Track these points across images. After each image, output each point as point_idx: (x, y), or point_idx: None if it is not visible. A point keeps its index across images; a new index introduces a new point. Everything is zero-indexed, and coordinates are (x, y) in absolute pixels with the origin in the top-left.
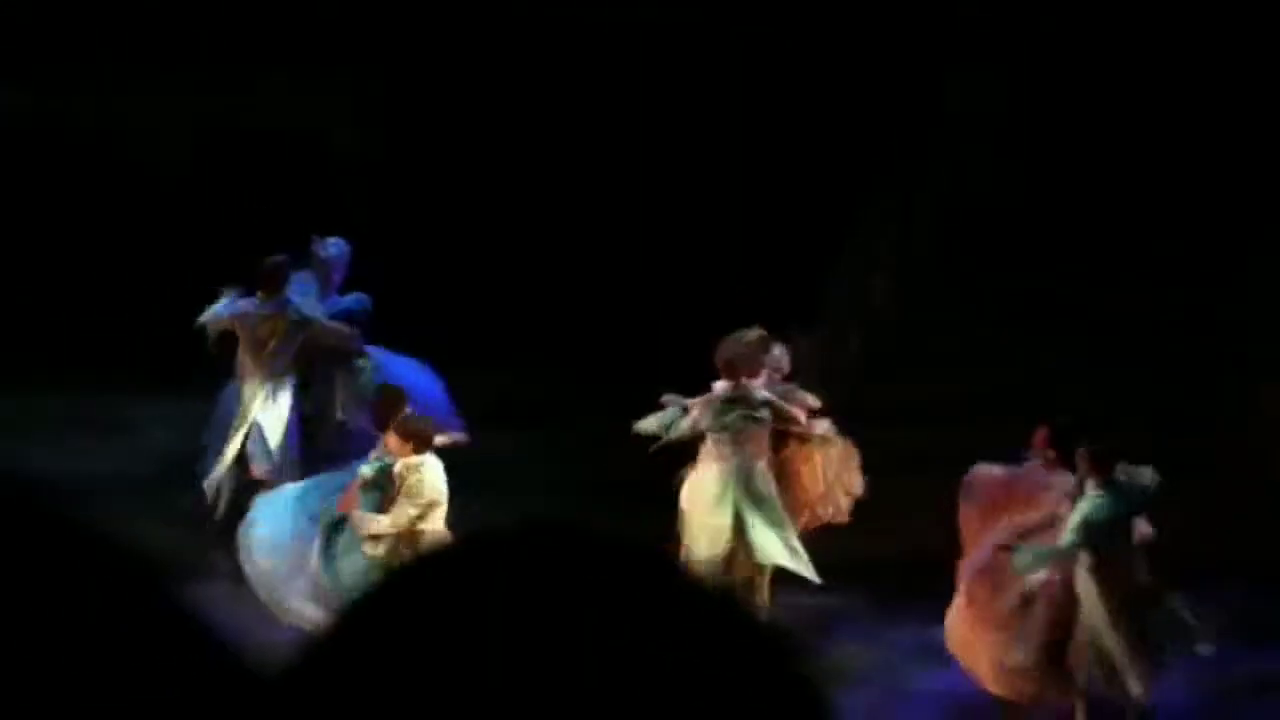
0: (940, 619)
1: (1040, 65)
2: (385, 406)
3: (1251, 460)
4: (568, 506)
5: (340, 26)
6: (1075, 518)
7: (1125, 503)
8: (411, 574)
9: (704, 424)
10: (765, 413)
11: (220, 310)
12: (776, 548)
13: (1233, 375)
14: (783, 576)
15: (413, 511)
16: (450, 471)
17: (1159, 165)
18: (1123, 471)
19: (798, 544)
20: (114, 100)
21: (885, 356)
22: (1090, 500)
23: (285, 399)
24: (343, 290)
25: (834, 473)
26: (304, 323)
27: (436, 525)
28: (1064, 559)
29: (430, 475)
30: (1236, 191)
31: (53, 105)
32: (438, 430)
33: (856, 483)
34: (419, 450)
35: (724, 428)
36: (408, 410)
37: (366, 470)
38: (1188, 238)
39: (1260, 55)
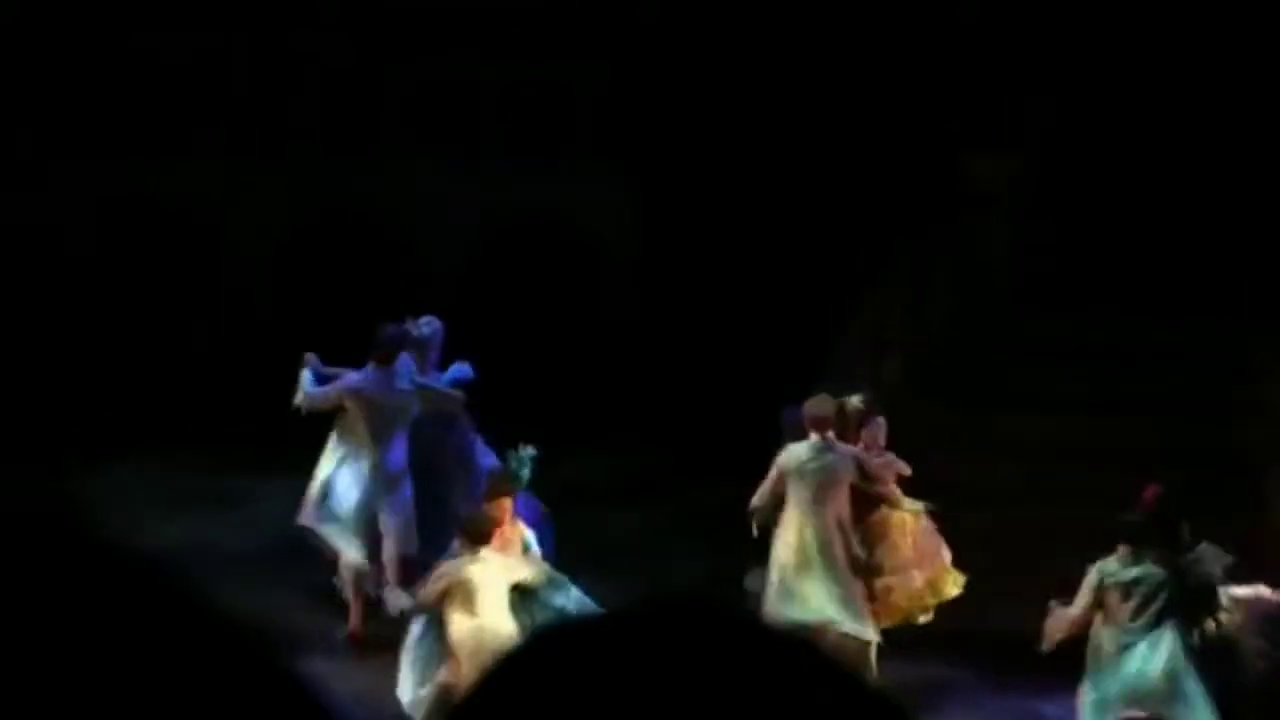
0: (1042, 691)
1: (1053, 139)
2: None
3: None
4: (692, 576)
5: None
6: None
7: None
8: (538, 654)
9: (785, 465)
10: (847, 466)
11: (329, 389)
12: (822, 601)
13: (1258, 454)
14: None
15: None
16: (572, 547)
17: (1181, 245)
18: None
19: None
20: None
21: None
22: None
23: (396, 470)
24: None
25: (924, 544)
26: (418, 389)
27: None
28: None
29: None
30: (1261, 259)
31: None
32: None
33: (945, 555)
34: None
35: (802, 475)
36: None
37: None
38: (1215, 319)
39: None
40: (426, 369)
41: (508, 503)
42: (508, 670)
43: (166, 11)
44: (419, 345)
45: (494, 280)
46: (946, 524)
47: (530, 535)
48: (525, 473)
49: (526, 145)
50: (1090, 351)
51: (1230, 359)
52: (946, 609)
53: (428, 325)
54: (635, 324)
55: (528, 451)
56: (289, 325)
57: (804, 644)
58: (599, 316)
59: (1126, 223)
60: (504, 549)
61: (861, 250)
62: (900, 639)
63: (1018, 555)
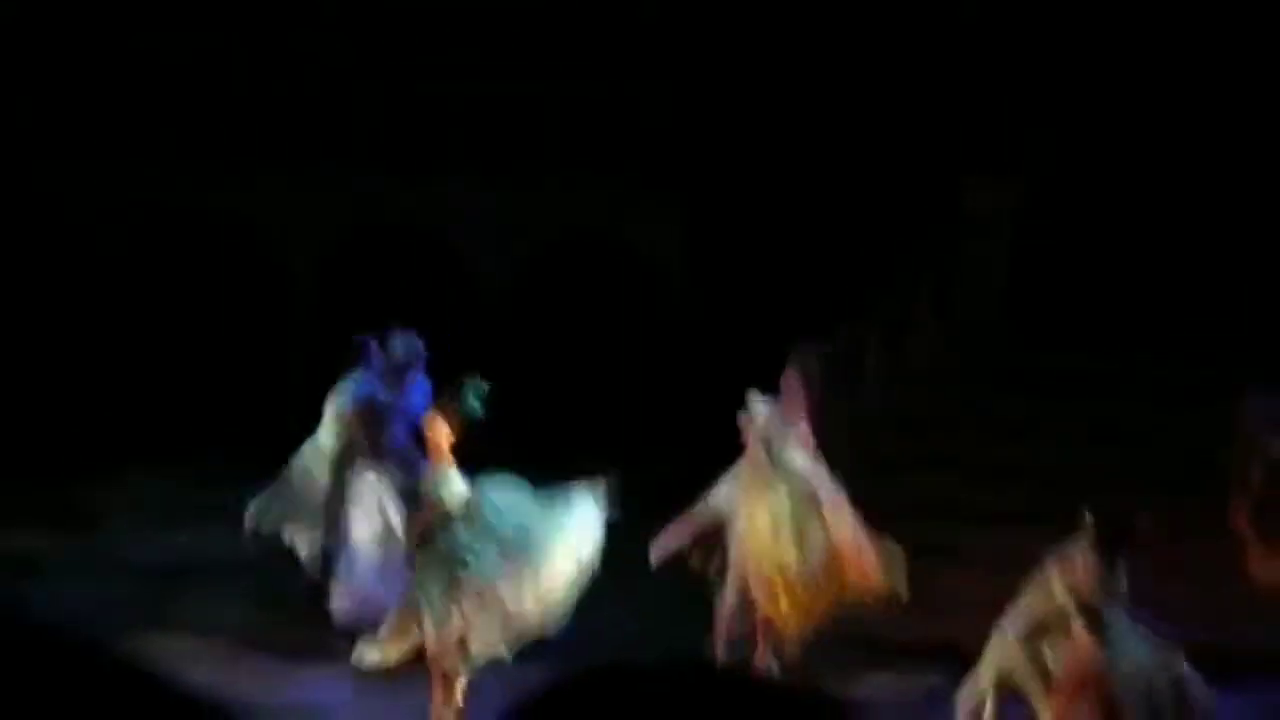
0: None
1: (1051, 167)
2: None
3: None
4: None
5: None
6: None
7: None
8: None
9: None
10: None
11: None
12: None
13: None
14: (879, 656)
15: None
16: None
17: (1174, 273)
18: None
19: None
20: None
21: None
22: None
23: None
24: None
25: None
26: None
27: None
28: None
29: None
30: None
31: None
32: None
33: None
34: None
35: None
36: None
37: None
38: (1208, 347)
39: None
40: (398, 388)
41: (444, 427)
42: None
43: (224, 19)
44: (389, 361)
45: (540, 296)
46: (930, 546)
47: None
48: (474, 403)
49: (574, 161)
50: (1080, 380)
51: (1220, 387)
52: (944, 621)
53: (401, 343)
54: (678, 339)
55: (475, 385)
56: (333, 340)
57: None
58: (642, 331)
59: (1121, 251)
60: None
61: (860, 272)
62: (896, 649)
63: (1005, 576)
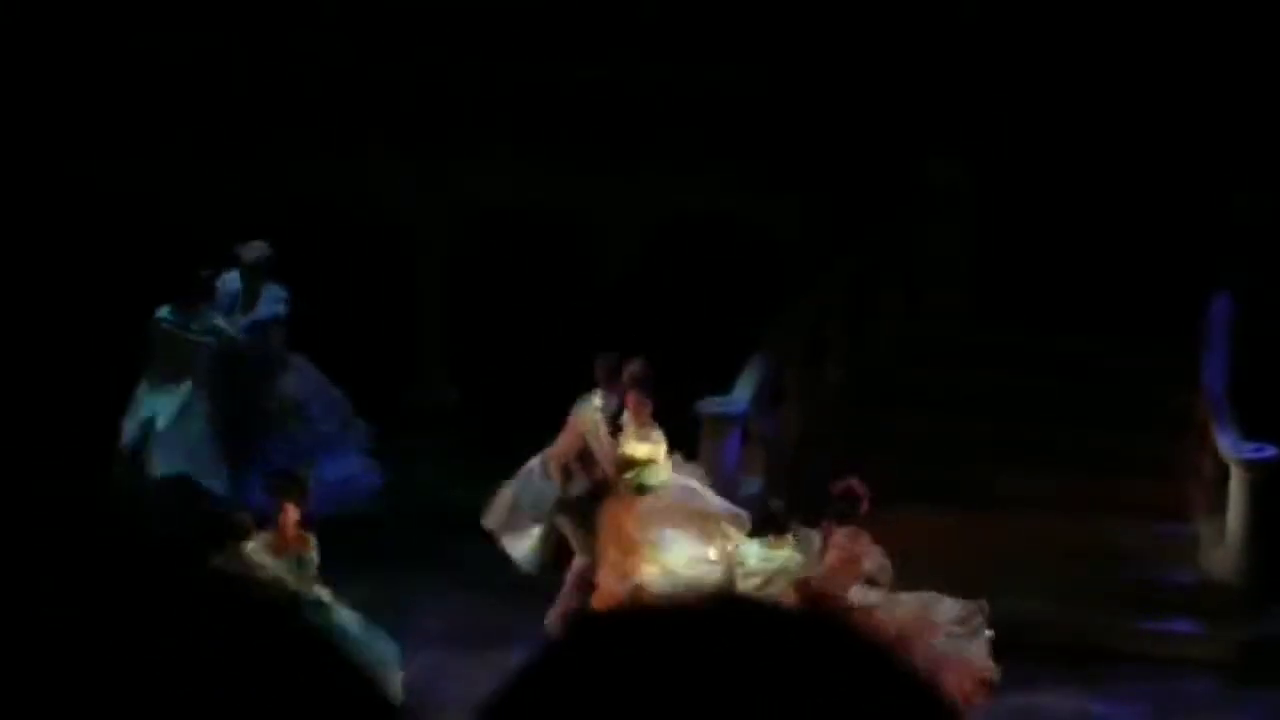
0: (1041, 685)
1: (1006, 146)
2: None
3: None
4: None
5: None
6: None
7: None
8: (594, 641)
9: None
10: None
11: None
12: None
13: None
14: None
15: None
16: None
17: (1124, 258)
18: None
19: None
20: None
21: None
22: None
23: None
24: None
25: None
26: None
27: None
28: None
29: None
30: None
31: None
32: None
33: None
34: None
35: None
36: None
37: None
38: (1157, 331)
39: (1201, 128)
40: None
41: (291, 508)
42: (545, 662)
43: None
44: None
45: (659, 282)
46: (897, 524)
47: (314, 555)
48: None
49: (694, 147)
50: (1036, 359)
51: (1167, 370)
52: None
53: (256, 250)
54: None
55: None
56: (455, 325)
57: (856, 636)
58: (763, 313)
59: (1073, 233)
60: (279, 555)
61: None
62: None
63: (988, 554)
